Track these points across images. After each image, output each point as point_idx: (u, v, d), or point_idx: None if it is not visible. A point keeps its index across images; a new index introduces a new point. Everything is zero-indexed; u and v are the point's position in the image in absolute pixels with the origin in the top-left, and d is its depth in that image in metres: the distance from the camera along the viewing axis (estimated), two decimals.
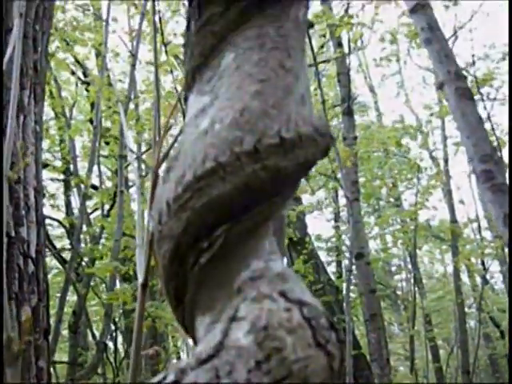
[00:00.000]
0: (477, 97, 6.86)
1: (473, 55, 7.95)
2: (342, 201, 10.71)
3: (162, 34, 4.64)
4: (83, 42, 6.96)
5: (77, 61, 8.73)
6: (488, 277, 10.56)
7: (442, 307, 11.29)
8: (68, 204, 8.68)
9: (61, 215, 8.53)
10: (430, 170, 10.49)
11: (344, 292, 7.96)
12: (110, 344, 7.44)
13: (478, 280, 10.50)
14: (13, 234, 2.36)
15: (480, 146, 2.79)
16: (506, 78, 8.15)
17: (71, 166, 8.21)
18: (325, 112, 5.31)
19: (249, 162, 0.52)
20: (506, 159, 6.27)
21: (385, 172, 10.28)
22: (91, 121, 7.60)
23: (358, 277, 6.59)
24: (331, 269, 11.25)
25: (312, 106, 0.60)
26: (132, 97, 6.33)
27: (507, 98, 7.93)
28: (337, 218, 11.24)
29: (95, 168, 6.79)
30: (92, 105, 7.67)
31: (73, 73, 8.92)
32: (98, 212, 8.24)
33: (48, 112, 8.20)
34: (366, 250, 6.54)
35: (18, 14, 1.48)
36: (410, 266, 10.51)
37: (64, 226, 7.94)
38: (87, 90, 8.61)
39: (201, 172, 0.53)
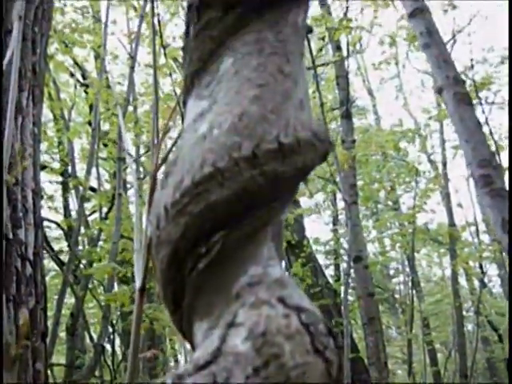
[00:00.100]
0: (475, 101, 6.88)
1: (471, 59, 7.96)
2: (340, 204, 10.72)
3: (161, 37, 4.64)
4: (82, 44, 6.96)
5: (76, 63, 8.74)
6: (486, 280, 10.56)
7: (440, 310, 11.30)
8: (66, 206, 8.67)
9: (59, 217, 8.52)
10: (429, 174, 10.52)
11: (342, 295, 7.96)
12: (108, 346, 7.42)
13: (476, 283, 10.52)
14: (10, 236, 2.36)
15: (478, 151, 2.79)
16: (504, 81, 8.17)
17: (69, 168, 8.21)
18: (323, 115, 5.32)
19: (247, 167, 0.52)
20: (504, 163, 6.28)
21: (383, 175, 10.30)
22: (90, 123, 7.60)
23: (356, 280, 6.58)
24: (329, 272, 11.27)
25: (311, 110, 0.60)
26: (131, 99, 6.33)
27: (506, 101, 7.95)
28: (335, 221, 11.25)
29: (93, 170, 6.78)
30: (91, 107, 7.68)
31: (72, 75, 8.92)
32: (96, 214, 8.23)
33: (46, 114, 8.20)
34: (364, 253, 6.54)
35: (18, 16, 1.48)
36: (408, 270, 10.52)
37: (62, 228, 7.92)
38: (86, 92, 8.62)
39: (199, 177, 0.53)
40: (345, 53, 7.26)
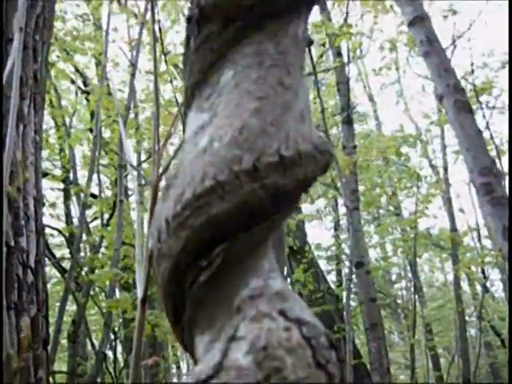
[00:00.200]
0: (476, 106, 6.88)
1: (472, 64, 7.98)
2: (342, 209, 10.72)
3: (162, 44, 4.66)
4: (83, 51, 6.98)
5: (77, 70, 8.75)
6: (488, 285, 10.55)
7: (443, 316, 11.27)
8: (68, 213, 8.67)
9: (60, 224, 8.52)
10: (430, 179, 10.51)
11: (344, 301, 7.95)
12: (110, 354, 7.41)
13: (479, 288, 10.49)
14: (12, 243, 2.36)
15: (479, 159, 2.80)
16: (505, 86, 8.18)
17: (71, 175, 8.21)
18: (324, 121, 5.32)
19: (248, 180, 0.52)
20: (505, 168, 6.28)
21: (384, 180, 10.29)
22: (91, 130, 7.62)
23: (358, 286, 6.57)
24: (331, 277, 11.25)
25: (311, 122, 0.60)
26: (132, 106, 6.34)
27: (506, 106, 7.96)
28: (336, 226, 11.24)
29: (95, 177, 6.78)
30: (92, 114, 7.69)
31: (73, 82, 8.94)
32: (98, 221, 8.23)
33: (48, 121, 8.22)
34: (366, 258, 6.53)
35: (18, 28, 1.48)
36: (410, 275, 10.50)
37: (64, 235, 7.93)
38: (87, 99, 8.63)
39: (200, 190, 0.53)
40: (345, 59, 7.28)
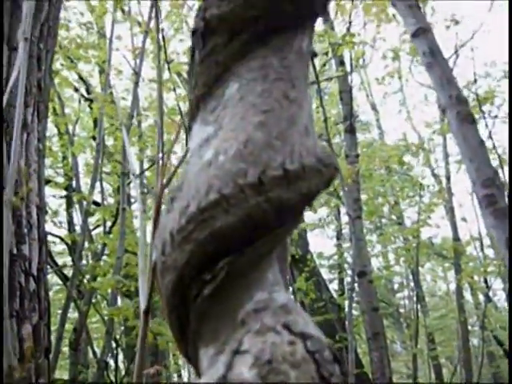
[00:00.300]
0: (478, 115, 6.89)
1: (474, 73, 7.99)
2: (344, 218, 10.72)
3: (165, 52, 4.68)
4: (87, 59, 7.01)
5: (80, 78, 8.79)
6: (491, 295, 10.52)
7: (445, 325, 11.24)
8: (70, 220, 8.67)
9: (63, 232, 8.53)
10: (433, 188, 10.51)
11: (346, 310, 7.93)
12: (111, 362, 7.39)
13: (481, 298, 10.46)
14: (15, 251, 2.36)
15: (482, 170, 2.80)
16: (507, 95, 8.19)
17: (73, 183, 8.22)
18: (327, 130, 5.33)
19: (253, 194, 0.52)
20: (507, 176, 6.27)
21: (387, 190, 10.30)
22: (94, 138, 7.64)
23: (360, 295, 6.56)
24: (333, 286, 11.24)
25: (315, 136, 0.60)
26: (135, 114, 6.35)
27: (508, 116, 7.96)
28: (339, 235, 11.23)
29: (97, 185, 6.79)
30: (95, 122, 7.71)
31: (76, 90, 8.97)
32: (100, 229, 8.23)
33: (51, 129, 8.24)
34: (369, 267, 6.52)
35: (23, 37, 1.49)
36: (412, 284, 10.47)
37: (66, 243, 7.92)
38: (90, 107, 8.65)
39: (204, 204, 0.53)
40: (348, 68, 7.30)
